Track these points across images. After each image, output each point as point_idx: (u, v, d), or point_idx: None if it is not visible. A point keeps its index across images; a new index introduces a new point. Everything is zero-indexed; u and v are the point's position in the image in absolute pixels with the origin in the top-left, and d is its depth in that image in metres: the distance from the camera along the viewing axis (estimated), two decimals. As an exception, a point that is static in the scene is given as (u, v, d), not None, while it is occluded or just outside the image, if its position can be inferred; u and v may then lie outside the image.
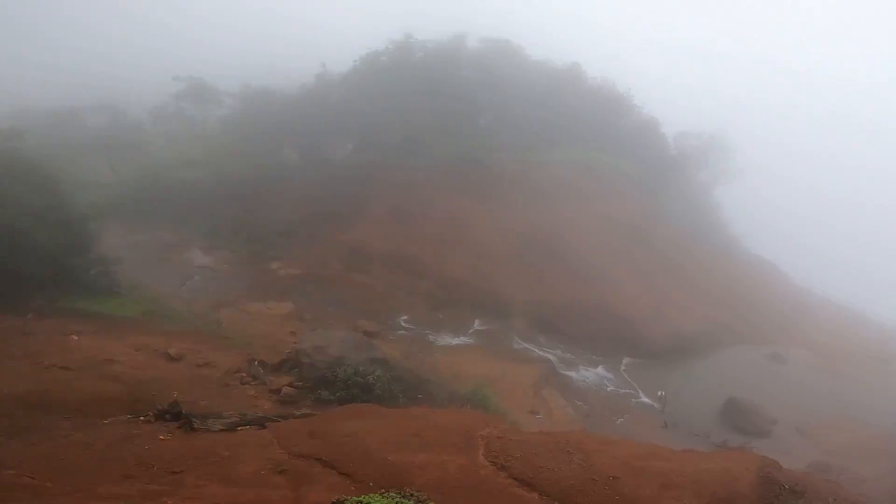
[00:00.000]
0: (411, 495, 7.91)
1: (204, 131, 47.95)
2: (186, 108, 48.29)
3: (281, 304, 24.78)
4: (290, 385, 15.57)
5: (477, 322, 29.22)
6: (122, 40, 69.43)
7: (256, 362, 17.01)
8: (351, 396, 14.94)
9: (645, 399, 25.32)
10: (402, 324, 26.85)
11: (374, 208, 36.02)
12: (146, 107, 48.38)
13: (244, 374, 16.20)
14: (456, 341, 26.37)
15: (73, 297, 20.31)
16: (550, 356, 27.28)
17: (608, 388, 25.68)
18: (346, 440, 10.88)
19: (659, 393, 25.48)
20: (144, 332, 18.79)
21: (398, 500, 7.53)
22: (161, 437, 10.64)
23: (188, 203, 36.01)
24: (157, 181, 37.93)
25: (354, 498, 7.15)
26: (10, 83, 51.18)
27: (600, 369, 27.39)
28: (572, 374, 26.30)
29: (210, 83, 48.51)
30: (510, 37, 52.71)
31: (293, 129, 43.84)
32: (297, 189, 37.61)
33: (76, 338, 17.07)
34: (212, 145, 45.04)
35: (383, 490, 7.99)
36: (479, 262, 33.34)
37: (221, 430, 11.29)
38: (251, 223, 34.27)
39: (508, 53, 50.92)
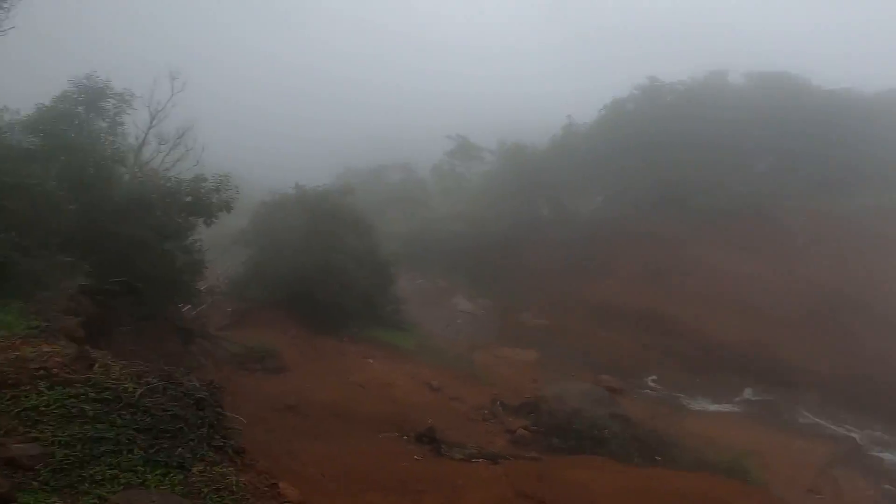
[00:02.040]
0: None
1: (469, 186, 54.30)
2: (457, 165, 54.89)
3: (527, 351, 26.20)
4: (525, 428, 16.37)
5: (748, 391, 24.93)
6: (415, 106, 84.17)
7: (499, 402, 18.43)
8: (581, 447, 14.86)
9: None
10: (650, 383, 24.88)
11: (624, 263, 35.00)
12: (428, 164, 56.66)
13: (486, 412, 17.79)
14: (716, 408, 22.96)
15: (375, 328, 25.58)
16: (854, 434, 21.38)
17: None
18: (573, 488, 11.22)
19: None
20: (415, 363, 22.40)
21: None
22: (416, 457, 12.71)
23: (457, 253, 41.13)
24: (435, 233, 44.71)
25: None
26: (340, 146, 69.14)
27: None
28: (885, 455, 19.99)
29: (473, 141, 54.28)
30: (786, 67, 45.18)
31: (543, 182, 45.63)
32: (547, 242, 39.34)
33: (372, 361, 21.51)
34: (475, 199, 50.90)
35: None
36: (754, 323, 28.90)
37: (461, 459, 12.83)
38: (506, 274, 37.22)
39: (786, 86, 43.15)
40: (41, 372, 4.26)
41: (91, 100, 15.17)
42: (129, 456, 3.77)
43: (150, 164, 17.19)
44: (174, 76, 18.93)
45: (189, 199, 14.63)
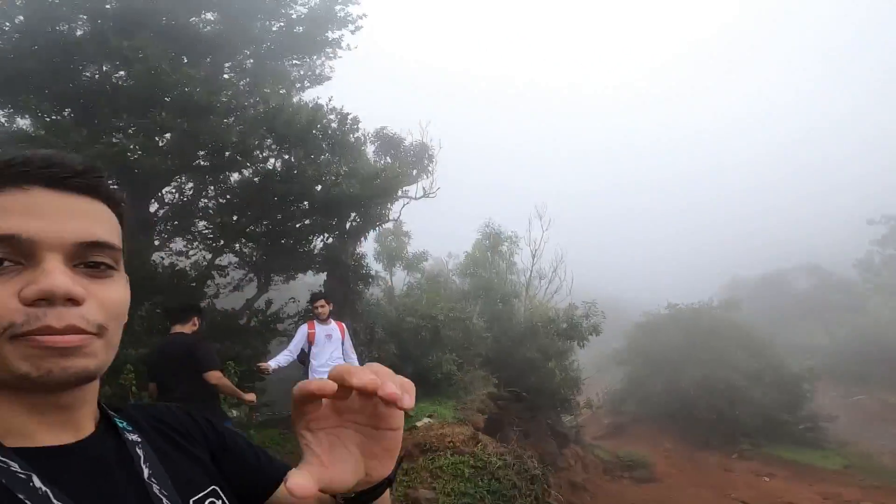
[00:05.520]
0: None
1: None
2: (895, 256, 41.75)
3: None
4: None
5: None
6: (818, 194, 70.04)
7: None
8: None
9: None
10: None
11: None
12: (850, 261, 45.39)
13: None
14: None
15: (776, 446, 22.12)
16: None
17: None
18: None
19: None
20: (838, 483, 17.86)
21: None
22: None
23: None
24: (876, 341, 34.43)
25: None
26: (722, 255, 62.74)
27: None
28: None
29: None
30: None
31: None
32: None
33: (767, 479, 18.58)
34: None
35: None
36: None
37: None
38: None
39: None
40: (450, 444, 6.83)
41: (493, 244, 20.18)
42: (478, 511, 5.65)
43: (536, 297, 21.28)
44: (540, 215, 21.98)
45: (564, 325, 17.42)
